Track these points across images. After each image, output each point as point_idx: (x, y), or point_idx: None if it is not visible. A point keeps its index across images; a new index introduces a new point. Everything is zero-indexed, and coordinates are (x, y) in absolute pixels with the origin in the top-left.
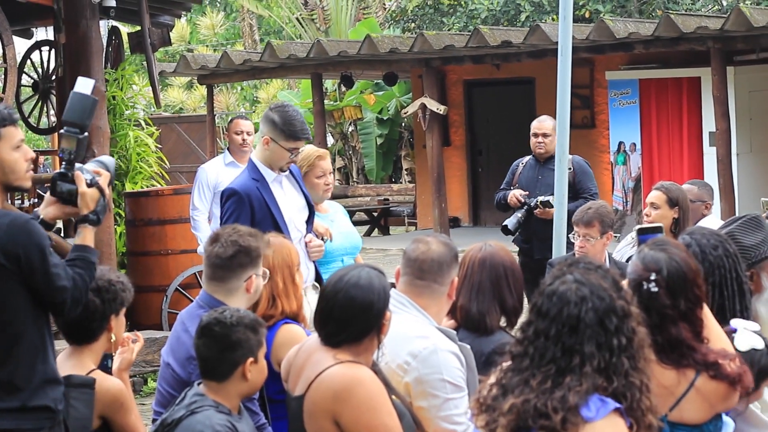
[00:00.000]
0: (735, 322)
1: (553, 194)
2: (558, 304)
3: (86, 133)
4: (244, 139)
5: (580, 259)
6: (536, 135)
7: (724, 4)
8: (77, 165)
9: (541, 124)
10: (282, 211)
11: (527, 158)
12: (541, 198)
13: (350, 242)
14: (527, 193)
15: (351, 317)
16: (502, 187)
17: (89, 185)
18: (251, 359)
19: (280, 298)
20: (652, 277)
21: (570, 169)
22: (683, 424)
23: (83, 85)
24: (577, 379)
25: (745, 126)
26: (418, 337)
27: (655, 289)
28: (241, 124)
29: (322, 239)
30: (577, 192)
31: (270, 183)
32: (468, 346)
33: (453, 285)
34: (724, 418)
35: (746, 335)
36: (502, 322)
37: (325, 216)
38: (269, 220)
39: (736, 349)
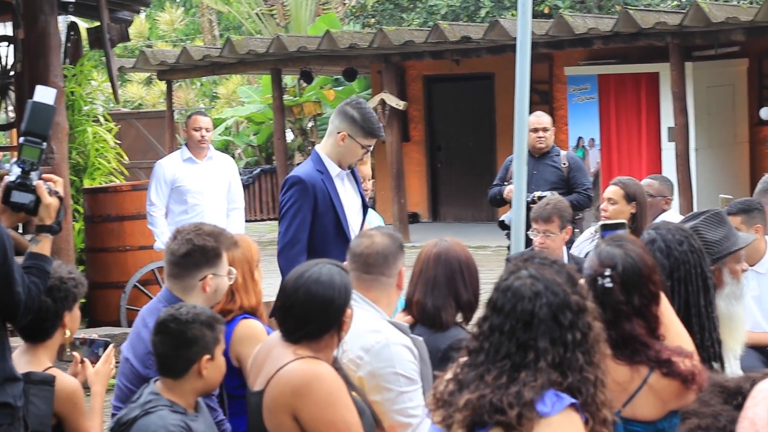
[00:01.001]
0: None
1: (549, 189)
2: (512, 300)
3: (46, 143)
4: (202, 135)
5: (536, 255)
6: (536, 130)
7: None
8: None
9: (539, 119)
10: (343, 206)
11: None
12: (537, 193)
13: None
14: None
15: (310, 314)
16: (495, 183)
17: (50, 195)
18: (207, 356)
19: (238, 292)
20: (607, 273)
21: (565, 164)
22: (637, 420)
23: (44, 95)
24: (532, 374)
25: (703, 121)
26: (370, 331)
27: (610, 285)
28: (199, 120)
29: None
30: (571, 187)
31: (333, 177)
32: (421, 339)
33: (401, 275)
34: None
35: None
36: (459, 318)
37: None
38: (331, 213)
39: None
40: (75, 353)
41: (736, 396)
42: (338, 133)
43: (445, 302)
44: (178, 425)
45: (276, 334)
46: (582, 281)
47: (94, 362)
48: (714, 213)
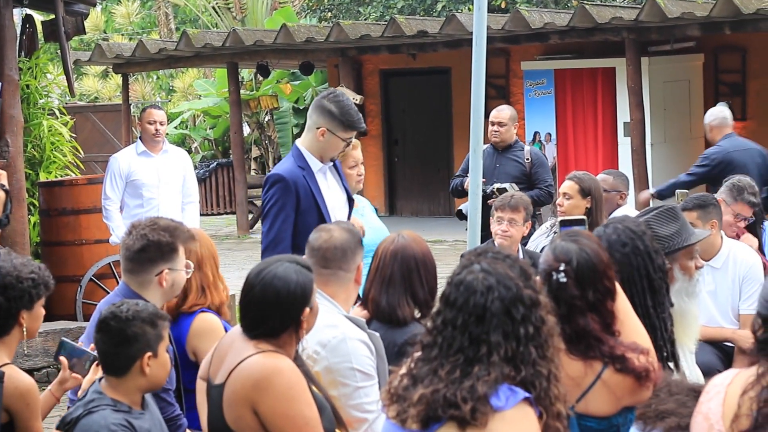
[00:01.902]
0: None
1: (510, 182)
2: (465, 294)
3: None
4: (157, 129)
5: (488, 249)
6: (493, 123)
7: None
8: None
9: (499, 113)
10: (326, 202)
11: (486, 146)
12: (497, 185)
13: (380, 238)
14: (484, 180)
15: (266, 311)
16: (457, 173)
17: None
18: (149, 354)
19: (209, 289)
20: (562, 268)
21: (528, 159)
22: (590, 415)
23: None
24: (485, 368)
25: (659, 116)
26: (327, 326)
27: (564, 280)
28: (153, 113)
29: None
30: (532, 182)
31: (315, 173)
32: (377, 334)
33: (359, 270)
34: None
35: None
36: (419, 314)
37: (354, 210)
38: (314, 210)
39: None
40: (63, 357)
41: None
42: (317, 128)
43: (400, 300)
44: (120, 424)
45: (238, 327)
46: (536, 275)
47: (79, 372)
48: (667, 208)
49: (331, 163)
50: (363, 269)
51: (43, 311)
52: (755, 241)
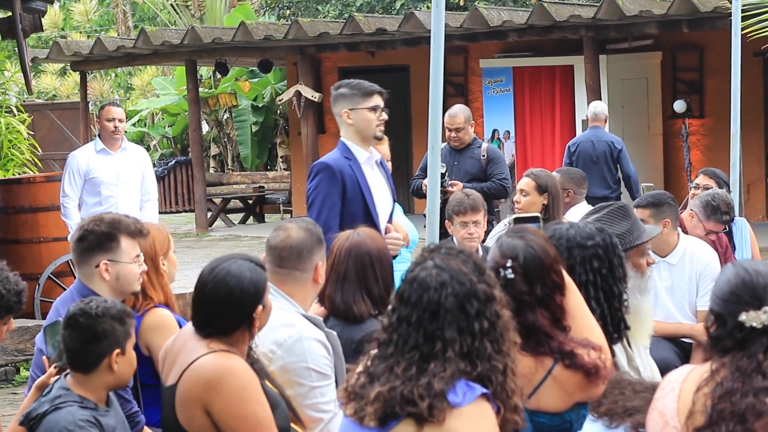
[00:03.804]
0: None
1: (469, 180)
2: (418, 291)
3: None
4: (116, 126)
5: (441, 245)
6: (449, 130)
7: None
8: None
9: (453, 119)
10: (372, 193)
11: (444, 144)
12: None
13: (414, 236)
14: None
15: (217, 309)
16: (417, 174)
17: None
18: (118, 351)
19: (147, 289)
20: (508, 264)
21: (484, 156)
22: (542, 411)
23: None
24: (441, 364)
25: (617, 114)
26: (284, 325)
27: (512, 276)
28: (112, 110)
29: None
30: (489, 178)
31: (362, 164)
32: (335, 333)
33: (317, 270)
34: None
35: None
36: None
37: None
38: (360, 199)
39: None
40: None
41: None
42: (341, 115)
43: (355, 296)
44: (87, 421)
45: (190, 327)
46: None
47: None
48: (618, 206)
49: (378, 156)
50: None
51: (12, 324)
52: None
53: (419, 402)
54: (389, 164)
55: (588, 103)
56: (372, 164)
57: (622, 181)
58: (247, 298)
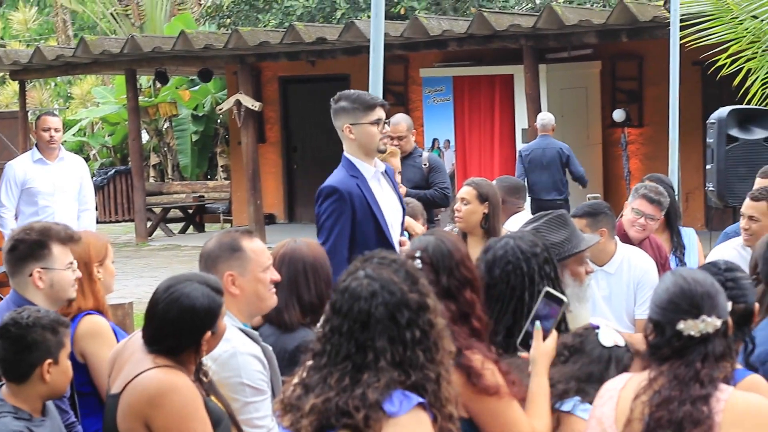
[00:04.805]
0: (595, 320)
1: (412, 188)
2: (349, 301)
3: None
4: (51, 136)
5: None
6: (392, 138)
7: (537, 2)
8: None
9: (395, 127)
10: (382, 209)
11: None
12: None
13: None
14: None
15: (167, 330)
16: None
17: None
18: (50, 361)
19: (78, 293)
20: (417, 254)
21: (426, 165)
22: None
23: None
24: (374, 374)
25: (557, 123)
26: None
27: (420, 266)
28: (48, 120)
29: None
30: (430, 186)
31: (369, 180)
32: (270, 348)
33: (225, 281)
34: None
35: (609, 331)
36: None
37: None
38: (370, 219)
39: (600, 345)
40: None
41: (563, 353)
42: (343, 130)
43: (286, 302)
44: None
45: (140, 337)
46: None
47: None
48: (557, 215)
49: (383, 168)
50: None
51: None
52: (664, 247)
53: (354, 413)
54: (398, 176)
55: (527, 113)
56: (378, 178)
57: (570, 185)
58: (196, 322)
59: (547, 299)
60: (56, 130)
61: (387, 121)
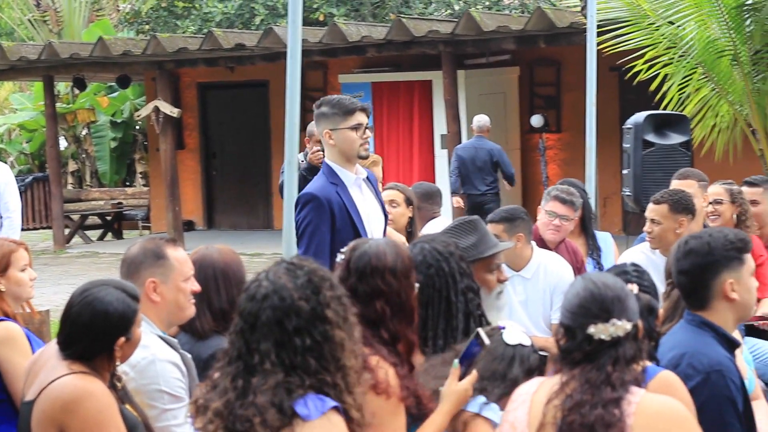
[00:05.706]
0: (503, 322)
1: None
2: (245, 301)
3: None
4: None
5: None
6: (319, 142)
7: (456, 8)
8: None
9: (314, 129)
10: (362, 217)
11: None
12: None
13: None
14: None
15: (78, 335)
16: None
17: None
18: None
19: None
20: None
21: None
22: None
23: None
24: (262, 377)
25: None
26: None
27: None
28: None
29: None
30: None
31: (349, 187)
32: (189, 355)
33: (147, 288)
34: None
35: (514, 331)
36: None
37: None
38: (350, 227)
39: (504, 343)
40: None
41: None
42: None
43: (198, 310)
44: None
45: (55, 344)
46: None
47: None
48: (467, 220)
49: (365, 175)
50: None
51: None
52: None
53: (252, 419)
54: (380, 185)
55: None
56: (360, 184)
57: (498, 181)
58: (109, 327)
59: (476, 339)
60: None
61: (369, 126)
